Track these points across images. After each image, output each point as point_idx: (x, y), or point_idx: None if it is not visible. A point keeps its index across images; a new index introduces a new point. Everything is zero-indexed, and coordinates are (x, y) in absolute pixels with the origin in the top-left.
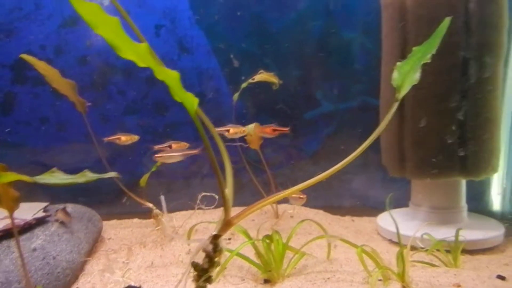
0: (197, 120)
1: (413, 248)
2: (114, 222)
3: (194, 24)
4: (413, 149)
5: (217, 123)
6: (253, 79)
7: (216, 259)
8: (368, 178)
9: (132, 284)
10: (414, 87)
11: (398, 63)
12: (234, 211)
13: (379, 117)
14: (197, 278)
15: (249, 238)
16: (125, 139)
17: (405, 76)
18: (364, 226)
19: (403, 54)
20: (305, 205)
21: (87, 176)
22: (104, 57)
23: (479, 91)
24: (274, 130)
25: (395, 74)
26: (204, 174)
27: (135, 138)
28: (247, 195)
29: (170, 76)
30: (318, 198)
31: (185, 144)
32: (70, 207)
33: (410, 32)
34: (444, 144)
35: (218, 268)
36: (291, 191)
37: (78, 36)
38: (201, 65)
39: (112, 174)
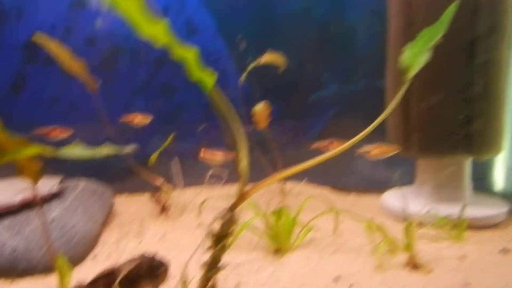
0: (213, 97)
1: (418, 224)
2: (124, 197)
3: (202, 6)
4: (419, 128)
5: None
6: (260, 60)
7: (231, 229)
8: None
9: (147, 252)
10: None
11: (408, 44)
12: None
13: (383, 99)
14: (213, 247)
15: (259, 212)
16: (140, 119)
17: (414, 57)
18: (369, 204)
19: (409, 37)
20: (310, 182)
21: (108, 149)
22: (113, 38)
23: (486, 71)
24: None
25: (405, 55)
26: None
27: (149, 118)
28: (254, 174)
29: (187, 55)
30: (323, 177)
31: (68, 131)
32: (83, 182)
33: (417, 14)
34: (450, 124)
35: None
36: (303, 166)
37: (88, 17)
38: (208, 47)
39: (131, 148)
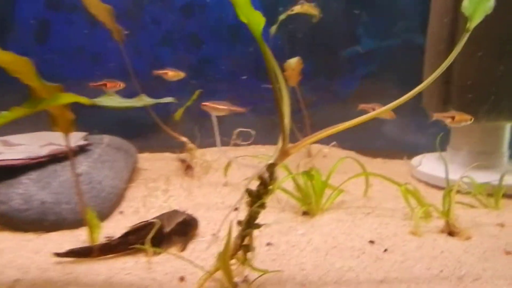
0: (263, 43)
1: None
2: (147, 155)
3: None
4: (461, 91)
5: (253, 56)
6: (292, 10)
7: (270, 187)
8: (400, 121)
9: (178, 209)
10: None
11: None
12: (268, 149)
13: (423, 57)
14: (251, 204)
15: (290, 172)
16: (172, 74)
17: (477, 4)
18: (397, 168)
19: None
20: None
21: (145, 100)
22: None
23: None
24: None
25: (466, 2)
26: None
27: (182, 75)
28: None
29: None
30: (349, 140)
31: (120, 84)
32: (107, 138)
33: None
34: (495, 87)
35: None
36: (344, 126)
37: None
38: None
39: (169, 99)
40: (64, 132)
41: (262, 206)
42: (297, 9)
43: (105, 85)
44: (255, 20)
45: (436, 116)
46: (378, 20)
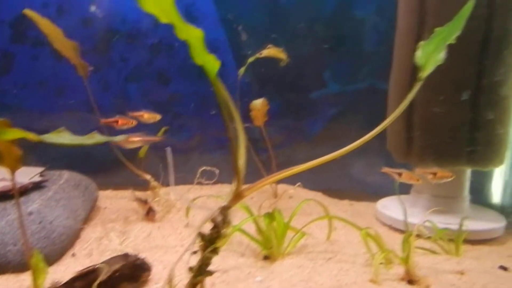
0: (217, 84)
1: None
2: (109, 192)
3: None
4: (421, 135)
5: None
6: (261, 53)
7: (224, 230)
8: (368, 163)
9: (130, 252)
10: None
11: (422, 42)
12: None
13: (386, 102)
14: (204, 249)
15: (251, 214)
16: (148, 117)
17: (429, 55)
18: (363, 210)
19: (419, 37)
20: (303, 186)
21: (96, 138)
22: (108, 21)
23: (497, 80)
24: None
25: (419, 53)
26: (203, 150)
27: (158, 117)
28: (247, 173)
29: (193, 35)
30: (316, 180)
31: (132, 121)
32: (66, 174)
33: (429, 14)
34: (454, 132)
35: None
36: (298, 169)
37: None
38: (208, 36)
39: (121, 137)
40: (10, 169)
41: (215, 251)
42: (265, 53)
43: (117, 122)
44: (210, 63)
45: (419, 172)
46: (345, 63)
